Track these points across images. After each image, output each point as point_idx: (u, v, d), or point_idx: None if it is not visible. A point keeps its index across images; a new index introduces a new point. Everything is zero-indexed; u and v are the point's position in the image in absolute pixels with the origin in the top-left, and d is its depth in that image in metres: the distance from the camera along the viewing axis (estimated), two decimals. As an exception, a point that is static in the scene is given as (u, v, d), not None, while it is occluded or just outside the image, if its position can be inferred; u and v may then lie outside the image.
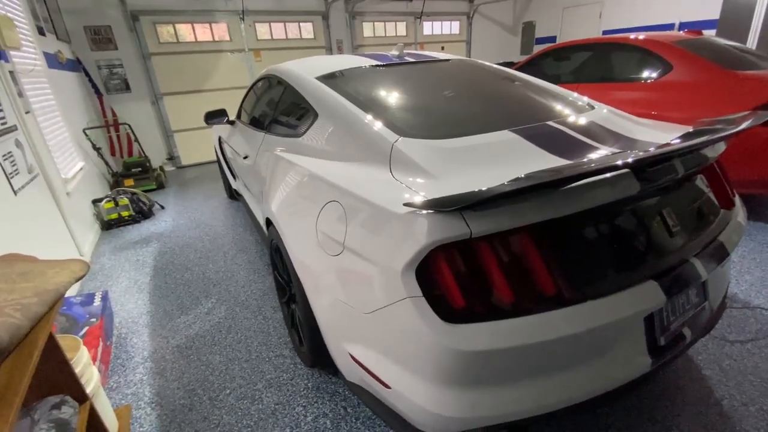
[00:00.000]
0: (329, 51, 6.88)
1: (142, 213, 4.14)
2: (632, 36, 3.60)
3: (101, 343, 1.94)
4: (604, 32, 7.01)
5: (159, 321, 2.34)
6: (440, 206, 0.92)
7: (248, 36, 6.19)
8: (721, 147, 1.43)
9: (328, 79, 1.91)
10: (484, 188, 0.92)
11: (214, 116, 3.09)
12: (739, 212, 1.45)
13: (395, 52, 2.31)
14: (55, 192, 2.88)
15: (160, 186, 5.28)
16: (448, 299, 0.97)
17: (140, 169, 5.24)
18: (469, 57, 8.59)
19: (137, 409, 1.72)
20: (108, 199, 3.94)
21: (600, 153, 1.28)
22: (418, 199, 1.03)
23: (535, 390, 1.04)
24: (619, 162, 0.94)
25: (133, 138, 5.53)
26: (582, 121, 1.55)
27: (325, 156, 1.57)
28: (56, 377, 1.25)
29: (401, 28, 7.66)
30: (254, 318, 2.28)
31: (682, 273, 1.14)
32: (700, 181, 1.39)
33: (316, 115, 1.75)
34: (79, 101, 4.71)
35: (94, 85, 5.31)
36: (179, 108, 6.10)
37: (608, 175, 1.04)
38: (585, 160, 1.21)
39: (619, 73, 3.65)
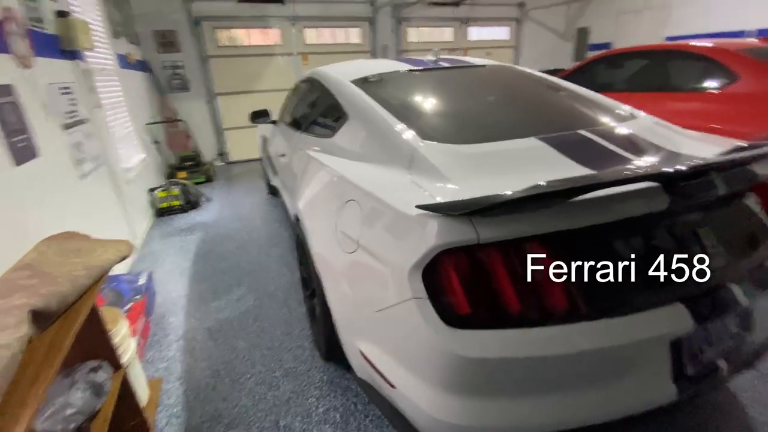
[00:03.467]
0: (374, 55, 7.00)
1: (191, 203, 4.45)
2: (692, 43, 3.35)
3: (142, 319, 2.12)
4: (668, 39, 6.54)
5: (194, 303, 2.50)
6: (449, 210, 0.93)
7: (297, 40, 6.46)
8: None
9: (362, 82, 1.96)
10: (494, 194, 0.91)
11: (259, 116, 3.27)
12: None
13: (431, 57, 2.33)
14: (116, 180, 3.18)
15: (209, 179, 5.63)
16: (453, 304, 0.97)
17: (192, 162, 5.63)
18: (518, 63, 8.38)
19: (167, 382, 1.86)
20: (161, 188, 4.28)
21: (632, 164, 1.22)
22: (430, 202, 1.04)
23: (545, 406, 1.01)
24: (643, 173, 0.90)
25: (188, 134, 5.95)
26: (619, 130, 1.48)
27: (352, 156, 1.62)
28: (96, 345, 1.39)
29: (447, 34, 7.63)
30: (280, 309, 2.38)
31: (717, 299, 1.06)
32: (753, 201, 1.28)
33: (347, 117, 1.81)
34: (144, 98, 5.16)
35: (158, 84, 5.79)
36: (231, 107, 6.48)
37: (632, 187, 0.99)
38: (609, 171, 1.16)
39: (677, 82, 3.41)
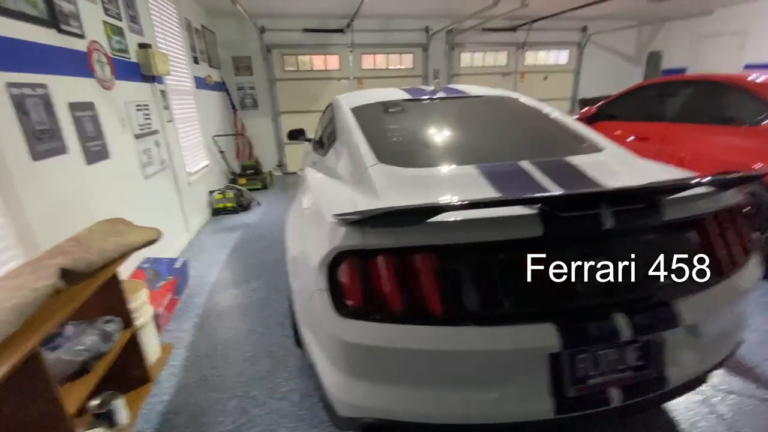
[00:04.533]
0: (425, 80, 7.30)
1: (242, 206, 5.06)
2: (748, 75, 3.10)
3: (169, 295, 2.56)
4: (746, 66, 5.88)
5: (217, 289, 2.92)
6: (347, 220, 1.13)
7: (354, 65, 7.01)
8: (723, 202, 1.28)
9: (359, 109, 2.23)
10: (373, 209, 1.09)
11: (295, 134, 3.71)
12: (731, 286, 1.27)
13: (432, 87, 2.52)
14: (178, 181, 3.82)
15: (265, 187, 6.30)
16: (347, 297, 1.15)
17: (253, 171, 6.37)
18: (577, 88, 8.09)
19: (176, 348, 2.25)
20: (219, 191, 4.95)
21: (537, 192, 1.30)
22: (341, 213, 1.24)
23: (424, 397, 1.14)
24: (500, 199, 1.03)
25: (251, 145, 6.76)
26: (563, 162, 1.55)
27: (329, 173, 1.88)
28: (115, 306, 1.78)
29: (501, 58, 7.67)
30: (282, 302, 2.68)
31: (595, 326, 1.11)
32: (674, 238, 1.26)
33: (336, 139, 2.08)
34: (217, 114, 6.00)
35: (232, 103, 6.67)
36: (292, 124, 7.15)
37: (510, 213, 1.09)
38: (493, 196, 1.25)
39: (721, 115, 3.16)
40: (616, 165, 1.59)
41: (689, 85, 3.64)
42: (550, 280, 1.11)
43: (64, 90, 2.16)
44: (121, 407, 1.69)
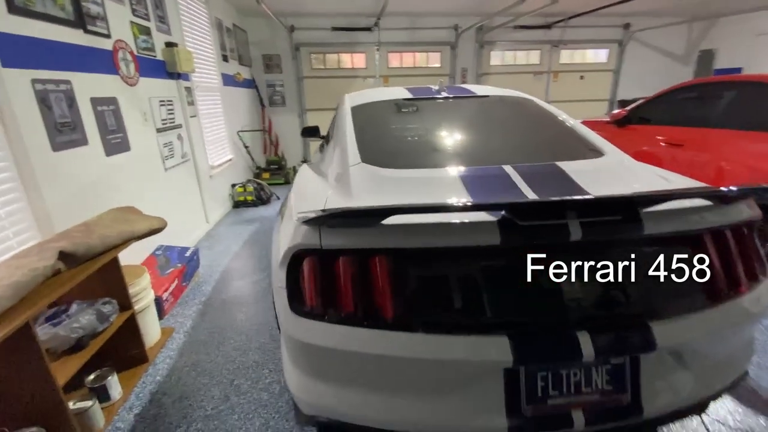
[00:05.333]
0: (452, 79, 7.18)
1: (261, 200, 5.23)
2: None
3: (176, 282, 2.70)
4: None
5: (225, 278, 3.05)
6: (304, 220, 1.15)
7: (381, 64, 7.02)
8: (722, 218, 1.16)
9: (358, 108, 2.23)
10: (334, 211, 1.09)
11: (309, 131, 3.77)
12: (731, 310, 1.16)
13: (436, 87, 2.48)
14: (199, 174, 4.01)
15: (287, 182, 6.46)
16: (304, 296, 1.16)
17: (277, 166, 6.57)
18: (616, 89, 7.65)
19: (177, 332, 2.37)
20: (240, 185, 5.14)
21: (510, 198, 1.25)
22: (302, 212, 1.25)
23: (374, 401, 1.14)
24: (457, 204, 0.99)
25: (277, 141, 6.96)
26: (553, 167, 1.48)
27: (317, 171, 1.90)
28: (114, 289, 1.90)
29: (534, 56, 7.39)
30: (281, 295, 2.75)
31: (552, 343, 1.05)
32: (662, 253, 1.16)
33: (332, 137, 2.10)
34: (245, 110, 6.22)
35: (261, 99, 6.89)
36: (317, 121, 7.27)
37: (468, 218, 1.05)
38: (456, 202, 1.21)
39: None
40: (613, 172, 1.50)
41: (735, 87, 3.34)
42: (507, 291, 1.07)
43: (88, 86, 2.33)
44: (114, 383, 1.81)
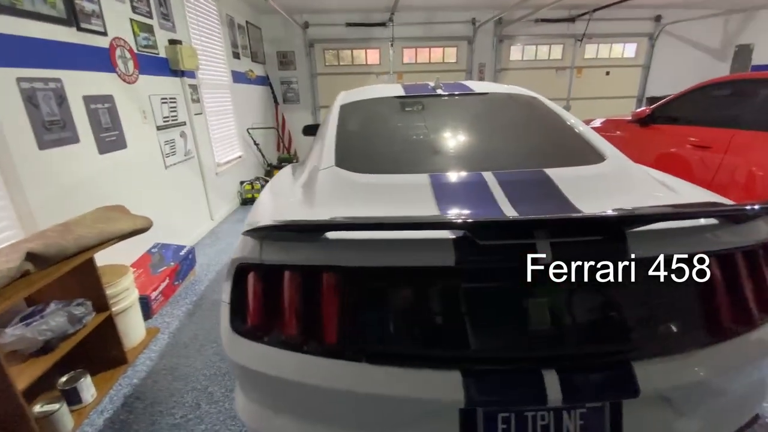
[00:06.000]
0: (469, 75, 6.95)
1: (269, 197, 5.21)
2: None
3: (168, 281, 2.69)
4: None
5: (219, 278, 3.02)
6: (243, 231, 1.05)
7: (395, 60, 6.87)
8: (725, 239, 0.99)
9: (347, 106, 2.13)
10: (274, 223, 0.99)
11: (309, 130, 3.70)
12: (737, 348, 0.98)
13: (432, 84, 2.34)
14: (204, 171, 4.01)
15: (298, 179, 6.46)
16: (245, 314, 1.07)
17: (288, 163, 6.56)
18: (645, 85, 7.21)
19: (162, 333, 2.35)
20: (248, 182, 5.15)
21: (481, 210, 1.11)
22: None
23: None
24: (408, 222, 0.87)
25: (290, 138, 6.95)
26: (540, 174, 1.32)
27: (294, 173, 1.81)
28: (90, 290, 1.87)
29: (556, 51, 7.04)
30: (271, 298, 2.70)
31: (514, 382, 0.91)
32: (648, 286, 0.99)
33: (317, 137, 2.01)
34: (257, 107, 6.23)
35: (274, 96, 6.90)
36: (330, 118, 7.29)
37: (421, 236, 0.93)
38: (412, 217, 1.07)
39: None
40: (609, 180, 1.34)
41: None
42: (463, 319, 0.94)
43: (80, 84, 2.33)
44: (87, 386, 1.79)
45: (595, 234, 0.92)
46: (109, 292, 1.96)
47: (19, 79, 1.93)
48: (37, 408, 1.60)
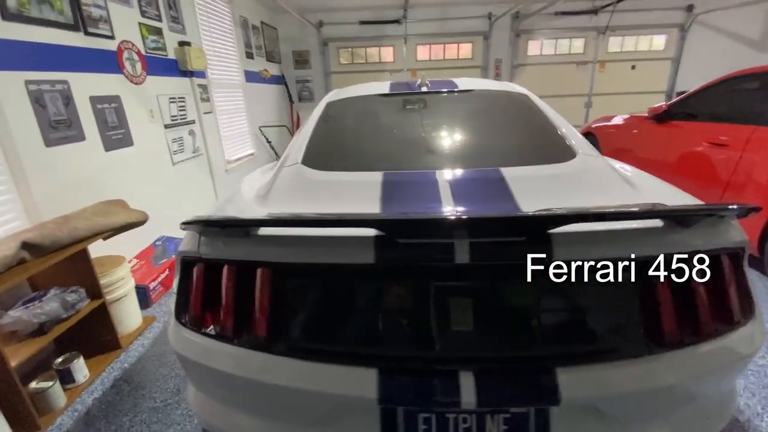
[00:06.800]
0: (485, 71, 6.82)
1: (280, 194, 5.34)
2: None
3: (168, 272, 2.82)
4: None
5: (218, 272, 3.14)
6: (182, 223, 1.10)
7: (408, 57, 6.84)
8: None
9: (332, 104, 2.16)
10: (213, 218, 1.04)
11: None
12: (684, 359, 0.93)
13: (418, 82, 2.33)
14: (212, 168, 4.17)
15: (312, 176, 6.57)
16: (188, 305, 1.12)
17: (302, 160, 6.68)
18: (675, 79, 6.81)
19: (157, 322, 2.47)
20: (259, 179, 5.29)
21: (425, 209, 1.11)
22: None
23: (250, 425, 1.08)
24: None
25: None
26: (493, 174, 1.30)
27: (275, 166, 1.86)
28: (84, 279, 2.01)
29: (577, 45, 6.77)
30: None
31: (428, 382, 0.91)
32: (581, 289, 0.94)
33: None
34: (272, 106, 6.38)
35: (289, 95, 7.03)
36: (344, 116, 7.35)
37: (343, 233, 0.95)
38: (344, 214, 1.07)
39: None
40: (568, 179, 1.31)
41: None
42: (382, 317, 0.95)
43: (87, 85, 2.48)
44: (80, 367, 1.92)
45: (519, 235, 0.90)
46: (103, 281, 2.09)
47: (28, 82, 2.09)
48: (33, 385, 1.74)
